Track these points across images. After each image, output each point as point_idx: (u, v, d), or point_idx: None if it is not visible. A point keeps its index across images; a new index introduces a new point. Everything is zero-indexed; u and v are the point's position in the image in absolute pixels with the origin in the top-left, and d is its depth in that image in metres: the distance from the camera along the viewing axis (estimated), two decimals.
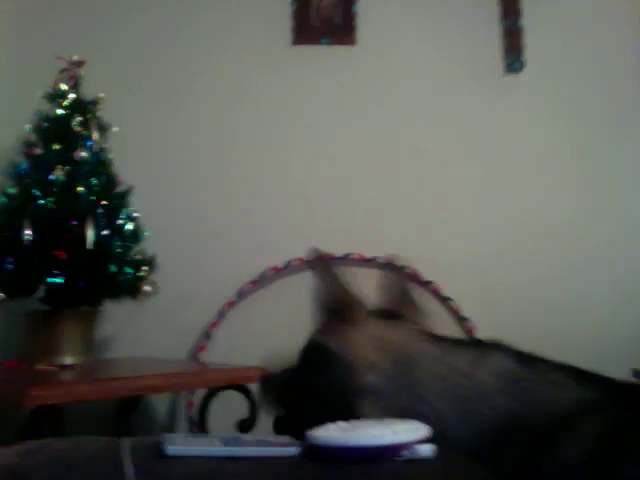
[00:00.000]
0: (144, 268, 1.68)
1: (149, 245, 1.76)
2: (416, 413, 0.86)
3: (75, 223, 1.57)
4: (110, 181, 1.69)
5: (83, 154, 1.63)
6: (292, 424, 0.99)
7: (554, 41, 2.10)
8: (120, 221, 1.66)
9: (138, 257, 1.68)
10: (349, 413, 0.89)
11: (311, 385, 0.96)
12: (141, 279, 1.67)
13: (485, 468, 0.84)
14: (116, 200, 1.68)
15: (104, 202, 1.64)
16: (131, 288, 1.66)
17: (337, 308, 0.98)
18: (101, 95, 1.75)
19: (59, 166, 1.62)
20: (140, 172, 1.93)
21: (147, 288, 1.67)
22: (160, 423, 2.03)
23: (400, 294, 1.07)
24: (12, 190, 1.65)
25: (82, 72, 1.75)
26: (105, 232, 1.60)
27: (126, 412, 1.91)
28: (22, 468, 0.76)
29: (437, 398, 0.87)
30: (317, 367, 0.96)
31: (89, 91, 1.75)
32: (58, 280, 1.53)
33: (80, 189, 1.61)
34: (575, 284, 2.03)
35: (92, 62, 1.78)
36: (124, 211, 1.68)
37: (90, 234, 1.55)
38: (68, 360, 1.65)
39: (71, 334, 1.67)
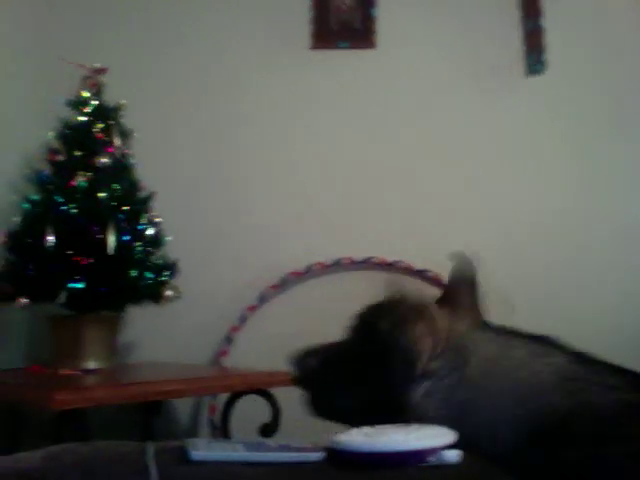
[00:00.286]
0: (165, 273, 1.68)
1: (171, 250, 1.77)
2: (475, 406, 0.85)
3: (96, 229, 1.58)
4: (132, 186, 1.71)
5: (104, 160, 1.65)
6: (330, 406, 0.97)
7: (576, 41, 2.08)
8: (141, 226, 1.66)
9: (159, 262, 1.69)
10: (401, 401, 0.88)
11: (362, 367, 0.93)
12: (163, 284, 1.67)
13: (511, 474, 0.82)
14: (138, 205, 1.69)
15: (125, 207, 1.65)
16: (153, 293, 1.66)
17: (402, 295, 0.96)
18: (123, 102, 1.76)
19: (81, 172, 1.63)
20: (162, 177, 1.94)
21: (169, 293, 1.67)
22: (183, 427, 2.03)
23: (459, 283, 1.05)
24: (35, 197, 1.66)
25: (104, 79, 1.77)
26: (126, 237, 1.61)
27: (149, 416, 1.92)
28: (45, 473, 0.76)
29: (495, 392, 0.86)
30: (370, 349, 0.94)
31: (111, 97, 1.77)
32: (79, 285, 1.54)
33: (101, 195, 1.62)
34: (580, 281, 1.99)
35: (114, 68, 1.79)
36: (145, 216, 1.69)
37: (111, 239, 1.56)
38: (91, 364, 1.66)
39: (94, 339, 1.68)
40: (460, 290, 1.04)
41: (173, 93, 2.10)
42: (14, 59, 2.03)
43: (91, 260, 1.56)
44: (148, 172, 1.79)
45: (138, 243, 1.63)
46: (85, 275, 1.55)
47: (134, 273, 1.59)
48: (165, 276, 1.68)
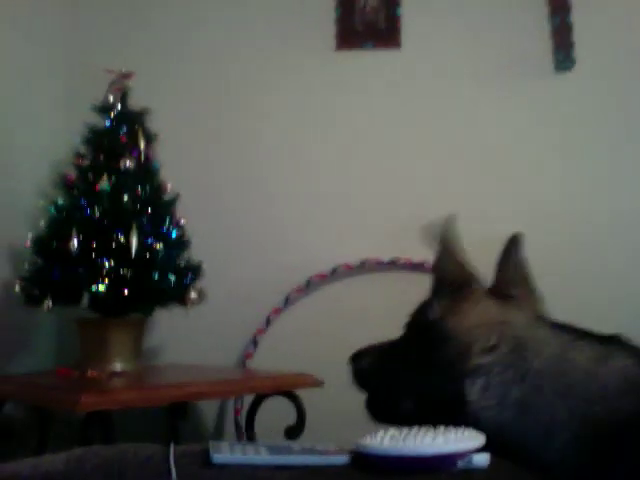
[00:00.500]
0: (189, 275, 1.68)
1: (197, 252, 1.77)
2: (529, 406, 0.82)
3: (120, 232, 1.58)
4: (156, 189, 1.71)
5: (128, 164, 1.65)
6: (386, 404, 0.95)
7: (605, 37, 2.04)
8: (165, 229, 1.66)
9: (183, 264, 1.68)
10: (455, 396, 0.85)
11: (417, 361, 0.91)
12: (187, 286, 1.67)
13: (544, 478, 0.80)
14: (162, 208, 1.69)
15: (149, 210, 1.65)
16: (177, 295, 1.66)
17: (454, 282, 0.93)
18: (148, 106, 1.77)
19: (105, 176, 1.64)
20: (187, 180, 1.94)
21: (194, 295, 1.67)
22: (209, 429, 2.03)
23: (515, 274, 1.01)
24: (61, 201, 1.68)
25: (130, 83, 1.77)
26: (150, 240, 1.61)
27: (175, 418, 1.92)
28: (68, 476, 0.76)
29: (554, 393, 0.82)
30: (425, 342, 0.91)
31: (136, 100, 1.77)
32: (101, 288, 1.55)
33: (125, 198, 1.62)
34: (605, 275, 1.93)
35: (139, 72, 1.80)
36: (170, 219, 1.69)
37: (134, 242, 1.56)
38: (118, 367, 1.66)
39: (120, 341, 1.68)
40: (512, 278, 1.00)
41: (197, 96, 2.11)
42: (43, 64, 2.05)
43: (113, 263, 1.56)
44: (173, 175, 1.80)
45: (162, 246, 1.63)
46: (107, 278, 1.56)
47: (157, 276, 1.58)
48: (189, 279, 1.68)
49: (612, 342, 0.87)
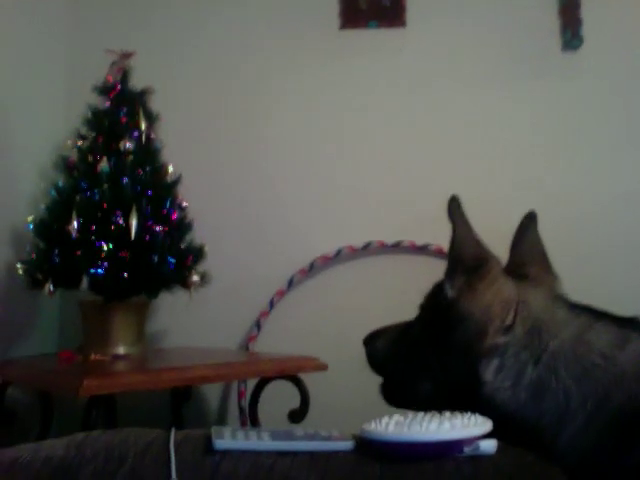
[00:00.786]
0: (191, 258, 1.66)
1: (200, 234, 1.75)
2: (544, 388, 0.81)
3: (119, 214, 1.56)
4: (157, 171, 1.68)
5: (128, 145, 1.63)
6: (404, 388, 0.93)
7: (613, 15, 2.00)
8: (166, 211, 1.64)
9: (184, 247, 1.66)
10: (471, 377, 0.84)
11: (434, 342, 0.90)
12: (189, 269, 1.65)
13: (551, 466, 0.79)
14: (163, 190, 1.66)
15: (150, 192, 1.62)
16: (178, 278, 1.64)
17: (470, 261, 0.91)
18: (149, 86, 1.74)
19: (105, 158, 1.62)
20: (191, 162, 1.93)
21: (196, 278, 1.65)
22: (213, 412, 2.03)
23: (531, 252, 1.00)
24: (61, 183, 1.66)
25: (131, 63, 1.75)
26: (150, 222, 1.59)
27: (179, 401, 1.92)
28: (68, 461, 0.75)
29: (570, 377, 0.81)
30: (442, 323, 0.90)
31: (139, 81, 1.75)
32: (99, 271, 1.54)
33: (125, 180, 1.60)
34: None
35: (141, 52, 1.77)
36: (171, 201, 1.67)
37: (134, 225, 1.54)
38: (121, 350, 1.65)
39: (123, 325, 1.67)
40: (528, 257, 0.99)
41: (199, 76, 2.08)
42: (45, 46, 2.03)
43: (112, 246, 1.54)
44: (176, 157, 1.77)
45: (162, 228, 1.61)
46: (106, 261, 1.54)
47: (157, 259, 1.56)
48: (191, 262, 1.66)
49: (630, 325, 0.86)
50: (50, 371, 1.53)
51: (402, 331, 0.96)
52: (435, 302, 0.93)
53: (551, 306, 0.88)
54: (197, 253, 1.69)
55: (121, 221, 1.55)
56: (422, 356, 0.90)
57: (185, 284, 1.66)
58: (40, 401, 1.71)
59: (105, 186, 1.58)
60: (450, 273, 0.91)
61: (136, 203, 1.57)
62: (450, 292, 0.90)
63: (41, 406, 1.70)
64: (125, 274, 1.54)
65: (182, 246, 1.66)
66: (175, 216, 1.65)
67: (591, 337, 0.84)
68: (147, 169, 1.64)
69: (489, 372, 0.84)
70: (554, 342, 0.84)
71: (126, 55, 1.74)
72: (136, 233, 1.55)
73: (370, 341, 1.00)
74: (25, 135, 1.90)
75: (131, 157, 1.62)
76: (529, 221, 1.04)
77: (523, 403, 0.82)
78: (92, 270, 1.53)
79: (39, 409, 1.70)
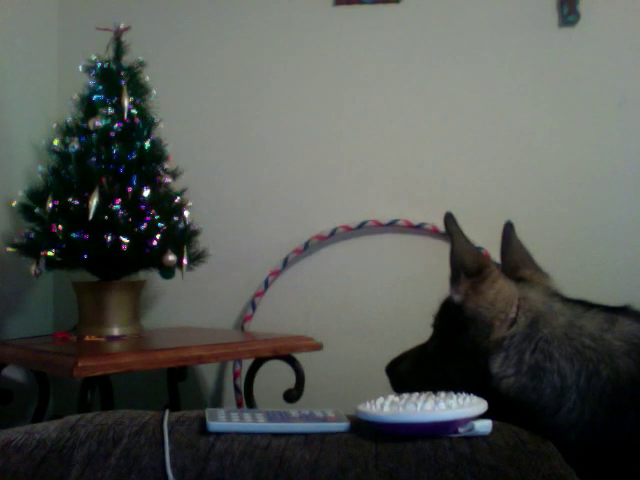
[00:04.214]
0: (157, 237, 1.59)
1: (194, 215, 1.74)
2: (541, 369, 0.88)
3: (85, 195, 1.55)
4: (140, 149, 1.64)
5: (97, 123, 1.61)
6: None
7: None
8: (132, 188, 1.60)
9: (143, 228, 1.59)
10: (481, 373, 0.90)
11: (448, 349, 0.96)
12: (163, 251, 1.61)
13: (546, 443, 0.79)
14: (146, 167, 1.63)
15: (121, 170, 1.60)
16: (146, 260, 1.62)
17: (472, 266, 0.98)
18: (138, 60, 1.72)
19: (76, 138, 1.61)
20: (185, 140, 1.91)
21: (171, 258, 1.62)
22: (208, 392, 2.03)
23: (520, 257, 1.09)
24: (40, 167, 1.66)
25: (123, 38, 1.72)
26: (115, 203, 1.56)
27: (174, 381, 1.92)
28: (65, 443, 0.75)
29: (563, 357, 0.88)
30: (452, 327, 0.96)
31: (131, 58, 1.72)
32: (50, 252, 1.54)
33: (91, 159, 1.59)
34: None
35: (134, 28, 1.74)
36: (148, 177, 1.63)
37: (93, 205, 1.53)
38: (115, 331, 1.65)
39: (118, 305, 1.66)
40: (518, 262, 1.08)
41: (193, 53, 2.05)
42: (38, 26, 2.01)
43: (71, 227, 1.54)
44: (171, 134, 1.75)
45: (121, 207, 1.57)
46: (65, 243, 1.53)
47: (111, 239, 1.54)
48: (159, 242, 1.60)
49: (620, 311, 0.93)
50: (45, 352, 1.52)
51: (419, 352, 1.04)
52: (444, 315, 1.00)
53: (548, 300, 0.96)
54: (181, 233, 1.66)
55: (82, 201, 1.55)
56: (440, 367, 0.96)
57: (160, 266, 1.63)
58: (36, 382, 1.71)
59: (75, 166, 1.58)
60: (454, 280, 0.98)
61: (99, 184, 1.56)
62: (456, 297, 0.96)
63: (38, 386, 1.70)
64: (83, 255, 1.54)
65: (142, 227, 1.60)
66: (144, 194, 1.61)
67: (582, 322, 0.92)
68: (128, 146, 1.61)
69: (496, 365, 0.90)
70: (548, 329, 0.91)
71: (120, 30, 1.72)
72: (94, 214, 1.53)
73: (392, 368, 1.06)
74: (19, 116, 1.88)
75: (96, 136, 1.60)
76: (509, 230, 1.13)
77: (524, 387, 0.87)
78: (50, 252, 1.54)
79: (35, 390, 1.70)
